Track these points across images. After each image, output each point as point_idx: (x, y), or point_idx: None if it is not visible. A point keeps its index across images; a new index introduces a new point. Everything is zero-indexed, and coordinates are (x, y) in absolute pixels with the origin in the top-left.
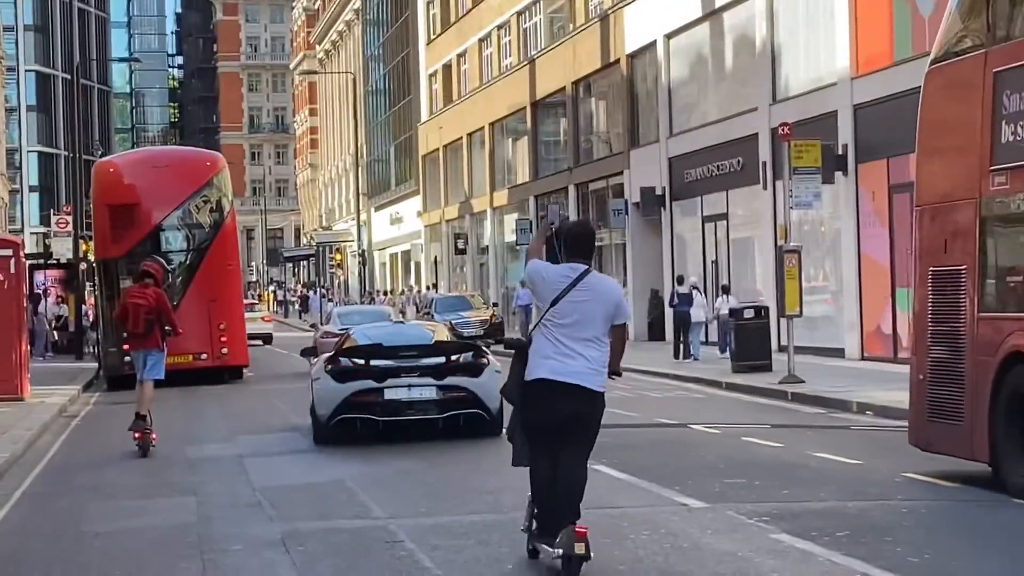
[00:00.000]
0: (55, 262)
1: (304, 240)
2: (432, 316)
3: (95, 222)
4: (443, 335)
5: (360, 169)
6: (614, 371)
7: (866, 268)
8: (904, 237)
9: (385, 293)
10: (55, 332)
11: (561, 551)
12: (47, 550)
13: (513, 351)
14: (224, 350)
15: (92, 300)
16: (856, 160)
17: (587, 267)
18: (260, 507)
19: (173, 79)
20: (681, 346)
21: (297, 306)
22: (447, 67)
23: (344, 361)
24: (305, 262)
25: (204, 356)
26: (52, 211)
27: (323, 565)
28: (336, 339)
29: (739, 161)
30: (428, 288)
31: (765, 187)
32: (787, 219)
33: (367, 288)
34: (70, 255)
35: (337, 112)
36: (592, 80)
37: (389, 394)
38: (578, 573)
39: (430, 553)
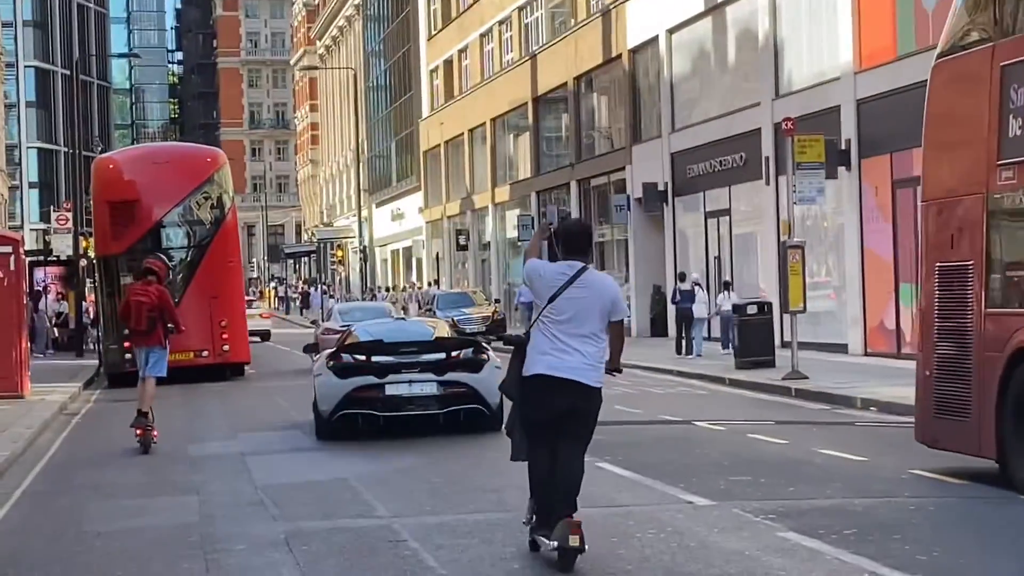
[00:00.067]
0: (55, 259)
1: (305, 236)
2: (434, 312)
3: (95, 219)
4: (444, 331)
5: (361, 165)
6: (615, 368)
7: (869, 263)
8: (907, 232)
9: (387, 289)
10: (55, 329)
11: (556, 543)
12: (47, 550)
13: (512, 347)
14: (225, 347)
15: (92, 297)
16: (859, 155)
17: (584, 265)
18: (263, 506)
19: (173, 75)
20: (683, 342)
21: (298, 303)
22: (448, 63)
23: (346, 357)
24: (306, 258)
25: (205, 353)
26: (52, 208)
27: (327, 565)
28: (337, 335)
29: (742, 156)
30: (430, 284)
31: (768, 182)
32: (790, 214)
33: (368, 284)
34: (70, 252)
35: (338, 108)
36: (594, 75)
37: (390, 390)
38: (572, 565)
39: (434, 552)
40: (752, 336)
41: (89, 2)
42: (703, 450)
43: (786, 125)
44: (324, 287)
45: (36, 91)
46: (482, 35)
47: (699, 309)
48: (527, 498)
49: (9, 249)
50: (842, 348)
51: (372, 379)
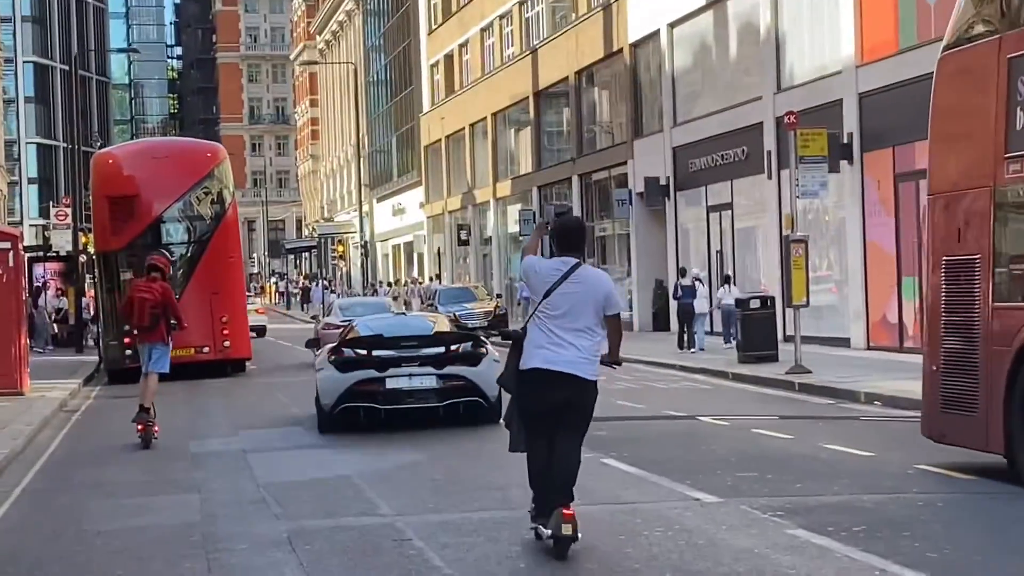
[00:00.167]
0: (54, 255)
1: (306, 232)
2: (436, 307)
3: (94, 214)
4: (443, 326)
5: (362, 160)
6: (614, 361)
7: (872, 257)
8: (910, 226)
9: (390, 284)
10: (55, 325)
11: (550, 532)
12: (47, 549)
13: (510, 342)
14: (226, 343)
15: (92, 293)
16: (861, 149)
17: (578, 260)
18: (265, 504)
19: (172, 70)
20: (685, 337)
21: (299, 298)
22: (448, 57)
23: (347, 352)
24: (307, 254)
25: (206, 349)
26: (51, 203)
27: (330, 564)
28: (337, 331)
29: (743, 150)
30: (431, 280)
31: (770, 176)
32: (793, 208)
33: (370, 280)
34: (69, 247)
35: (338, 103)
36: (595, 70)
37: (391, 383)
38: (566, 553)
39: (439, 551)
40: (755, 330)
41: None
42: (708, 446)
43: (789, 119)
44: (325, 282)
45: (35, 86)
46: (483, 29)
47: (700, 304)
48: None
49: (8, 245)
50: (845, 342)
51: (373, 373)
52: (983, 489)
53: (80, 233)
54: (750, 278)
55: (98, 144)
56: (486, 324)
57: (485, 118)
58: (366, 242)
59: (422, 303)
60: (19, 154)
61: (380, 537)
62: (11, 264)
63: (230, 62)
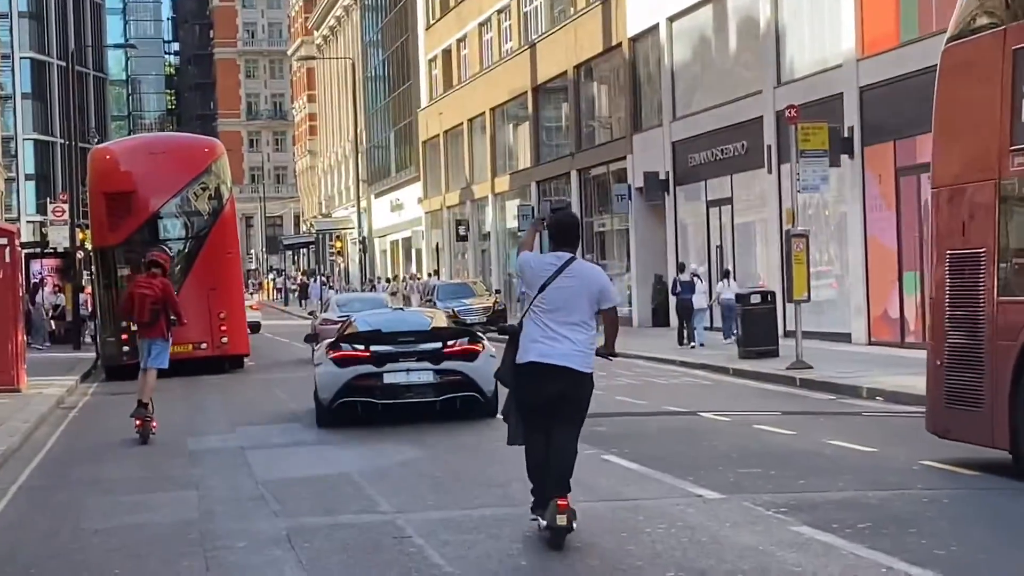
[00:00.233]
0: (52, 251)
1: (304, 227)
2: (434, 303)
3: (91, 210)
4: (440, 321)
5: (360, 156)
6: (609, 353)
7: (873, 252)
8: (911, 220)
9: (388, 280)
10: (52, 322)
11: (546, 523)
12: (44, 547)
13: (507, 336)
14: (224, 339)
15: (90, 289)
16: (862, 143)
17: (572, 255)
18: (264, 501)
19: (169, 66)
20: (684, 333)
21: (297, 294)
22: (447, 52)
23: (345, 347)
24: (305, 250)
25: (204, 345)
26: (48, 199)
27: (330, 563)
28: (334, 326)
29: (743, 145)
30: (430, 275)
31: (770, 171)
32: (794, 203)
33: (368, 275)
34: (67, 244)
35: (336, 98)
36: (594, 64)
37: (388, 378)
38: (562, 543)
39: (440, 549)
40: (756, 325)
41: None
42: (710, 442)
43: (790, 113)
44: (323, 278)
45: (32, 83)
46: (481, 24)
47: (699, 300)
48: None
49: (4, 241)
50: (845, 337)
51: (371, 368)
52: (989, 485)
53: (77, 229)
54: (749, 273)
55: (95, 140)
56: (485, 320)
57: (483, 113)
58: (364, 238)
59: (421, 299)
60: (16, 150)
61: (380, 535)
62: (7, 260)
63: (227, 58)
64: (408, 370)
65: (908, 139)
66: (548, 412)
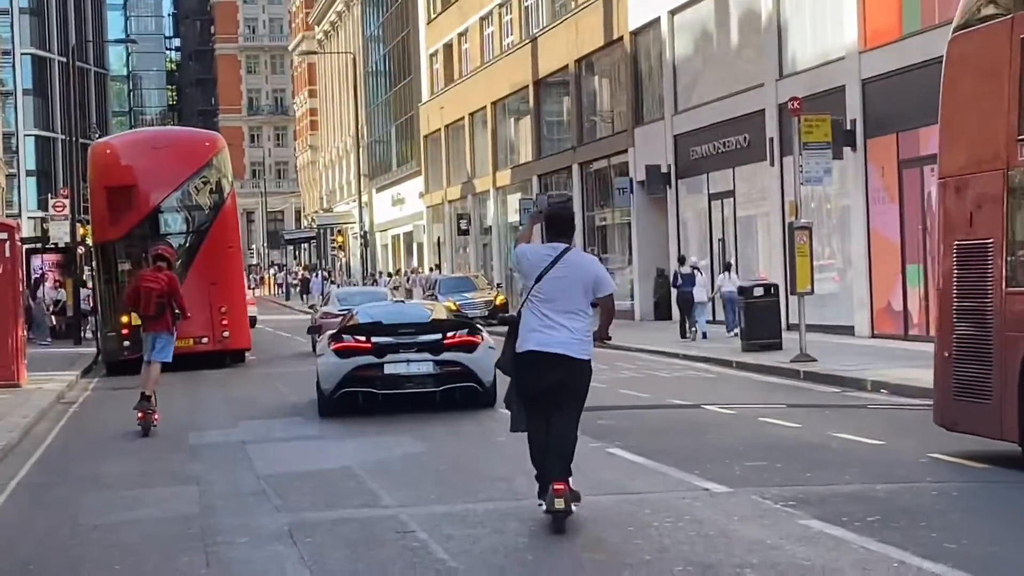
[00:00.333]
0: (52, 246)
1: (305, 222)
2: (436, 297)
3: (92, 205)
4: (440, 313)
5: (361, 150)
6: (603, 337)
7: (875, 244)
8: (914, 213)
9: (390, 275)
10: (52, 317)
11: (545, 508)
12: (43, 543)
13: (507, 327)
14: (225, 333)
15: (91, 284)
16: (865, 135)
17: (567, 246)
18: (265, 496)
19: (170, 61)
20: (686, 325)
21: (298, 289)
22: (448, 46)
23: (347, 338)
24: (306, 244)
25: (205, 340)
26: (50, 195)
27: (332, 558)
28: (335, 319)
29: (745, 138)
30: (431, 269)
31: (772, 164)
32: (797, 195)
33: (369, 270)
34: (68, 239)
35: (337, 93)
36: (595, 58)
37: (389, 369)
38: (563, 527)
39: (444, 544)
40: (759, 318)
41: None
42: (715, 435)
43: (792, 105)
44: (325, 273)
45: (33, 79)
46: (482, 18)
47: (699, 293)
48: (539, 486)
49: (4, 236)
50: (848, 330)
51: (372, 359)
52: (998, 478)
53: (78, 224)
54: (750, 266)
55: (96, 136)
56: (486, 314)
57: (485, 107)
58: (365, 232)
59: (424, 293)
60: (17, 146)
61: (383, 529)
62: (7, 255)
63: (228, 53)
64: (408, 361)
65: (911, 131)
66: (548, 399)
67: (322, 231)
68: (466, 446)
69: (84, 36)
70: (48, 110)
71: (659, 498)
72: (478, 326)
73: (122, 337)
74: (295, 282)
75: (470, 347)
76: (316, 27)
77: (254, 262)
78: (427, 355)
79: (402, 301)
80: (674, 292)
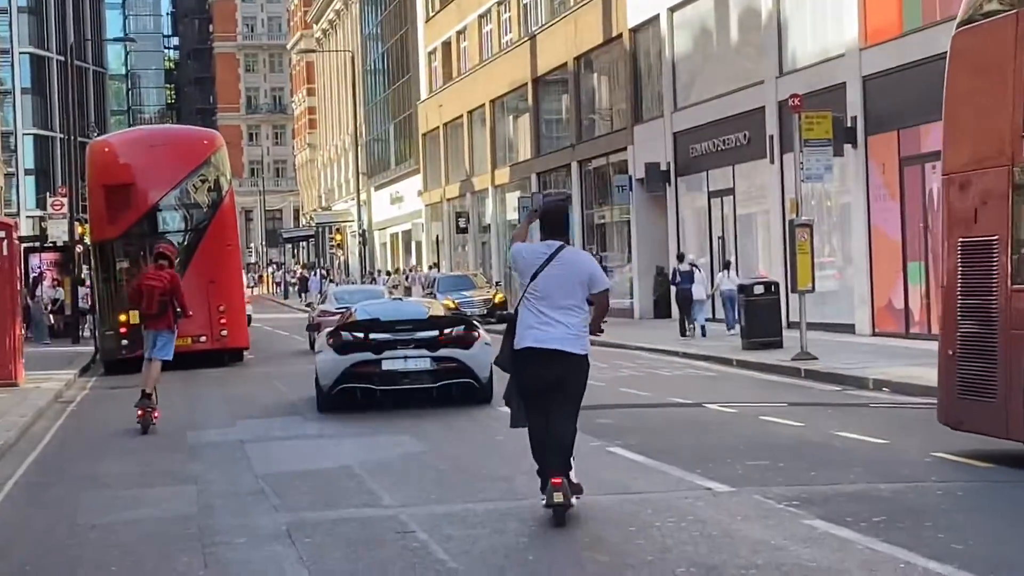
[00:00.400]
0: (51, 245)
1: (303, 221)
2: (435, 295)
3: (90, 203)
4: (438, 311)
5: (359, 149)
6: (594, 330)
7: (876, 242)
8: (915, 210)
9: (388, 273)
10: (51, 316)
11: (545, 502)
12: (40, 543)
13: (505, 325)
14: (224, 332)
15: (90, 283)
16: (865, 132)
17: (562, 243)
18: (263, 495)
19: (169, 60)
20: (686, 323)
21: (297, 288)
22: (446, 44)
23: (345, 335)
24: (304, 243)
25: (203, 338)
26: (48, 194)
27: (332, 559)
28: (332, 316)
29: (745, 135)
30: (430, 268)
31: (772, 161)
32: (798, 192)
33: (368, 268)
34: (66, 238)
35: (335, 92)
36: (594, 55)
37: (386, 365)
38: (563, 520)
39: (444, 544)
40: (759, 316)
41: None
42: (717, 433)
43: (793, 101)
44: (324, 271)
45: (32, 78)
46: (480, 16)
47: (698, 290)
48: (538, 482)
49: (2, 235)
50: (849, 328)
51: (369, 355)
52: (1004, 478)
53: (76, 223)
54: (750, 264)
55: (95, 135)
56: (485, 312)
57: (483, 105)
58: (364, 231)
59: (423, 291)
60: (16, 145)
61: (382, 529)
62: (5, 254)
63: (227, 52)
64: (405, 357)
65: (912, 128)
66: (547, 394)
67: (320, 229)
68: (466, 445)
69: (82, 35)
70: (46, 109)
71: (661, 498)
72: (475, 323)
73: (120, 336)
74: (293, 281)
75: (466, 344)
76: (315, 25)
77: (253, 261)
78: (424, 351)
79: (400, 299)
80: (673, 290)
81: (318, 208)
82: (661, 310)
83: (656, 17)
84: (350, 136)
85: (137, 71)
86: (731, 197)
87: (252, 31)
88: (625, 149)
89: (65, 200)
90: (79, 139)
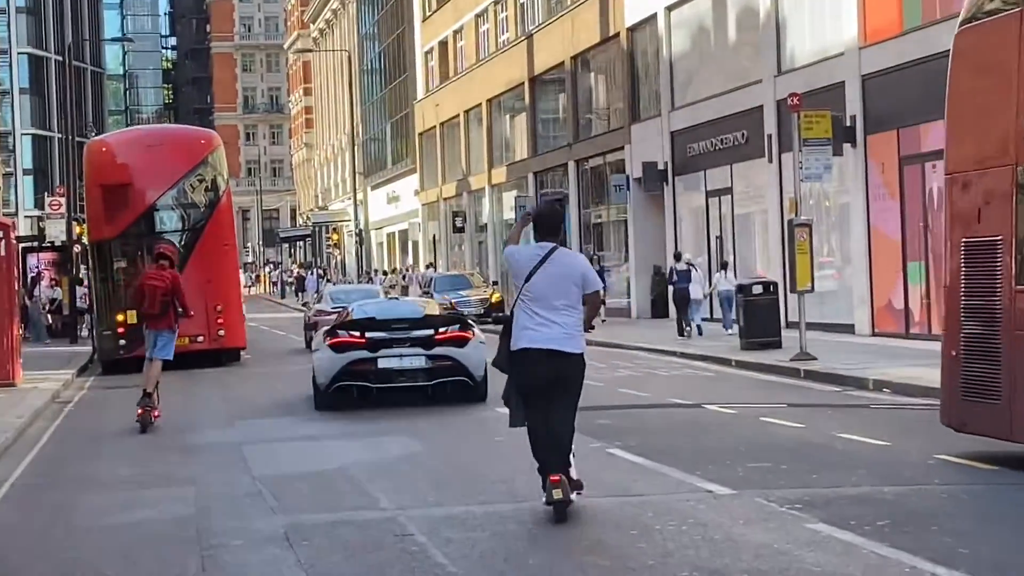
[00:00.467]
0: (49, 245)
1: (300, 220)
2: (431, 295)
3: (88, 203)
4: (433, 310)
5: (356, 148)
6: (585, 328)
7: (876, 242)
8: (915, 210)
9: (385, 272)
10: (49, 316)
11: (545, 500)
12: (36, 546)
13: (501, 326)
14: (221, 332)
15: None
16: (865, 132)
17: (555, 245)
18: (261, 498)
19: (167, 60)
20: (683, 323)
21: (294, 287)
22: (443, 44)
23: (341, 333)
24: (301, 242)
25: (200, 339)
26: (46, 194)
27: (330, 561)
28: (328, 316)
29: (743, 134)
30: (427, 267)
31: (771, 160)
32: (797, 192)
33: (364, 268)
34: (64, 237)
35: (332, 91)
36: (591, 55)
37: (382, 363)
38: (564, 516)
39: (443, 547)
40: (758, 316)
41: None
42: (717, 435)
43: (792, 100)
44: (320, 271)
45: (30, 78)
46: (477, 15)
47: (695, 290)
48: (539, 487)
49: (0, 235)
50: (848, 328)
51: (365, 353)
52: (1008, 480)
53: (74, 223)
54: (748, 264)
55: (93, 134)
56: (482, 311)
57: (480, 104)
58: (360, 230)
59: (420, 290)
60: (14, 145)
61: (381, 532)
62: (2, 254)
63: (224, 52)
64: (401, 355)
65: (911, 128)
66: (544, 394)
67: (317, 229)
68: (465, 447)
69: (80, 35)
70: (44, 109)
71: (661, 500)
72: (470, 322)
73: (118, 336)
74: (290, 280)
75: (461, 342)
76: (311, 25)
77: (250, 260)
78: (419, 350)
79: (396, 299)
80: (670, 289)
81: (315, 208)
82: (658, 310)
83: (653, 16)
84: (347, 136)
85: (135, 71)
86: (729, 197)
87: (249, 31)
88: (622, 148)
89: (63, 200)
90: (77, 139)
